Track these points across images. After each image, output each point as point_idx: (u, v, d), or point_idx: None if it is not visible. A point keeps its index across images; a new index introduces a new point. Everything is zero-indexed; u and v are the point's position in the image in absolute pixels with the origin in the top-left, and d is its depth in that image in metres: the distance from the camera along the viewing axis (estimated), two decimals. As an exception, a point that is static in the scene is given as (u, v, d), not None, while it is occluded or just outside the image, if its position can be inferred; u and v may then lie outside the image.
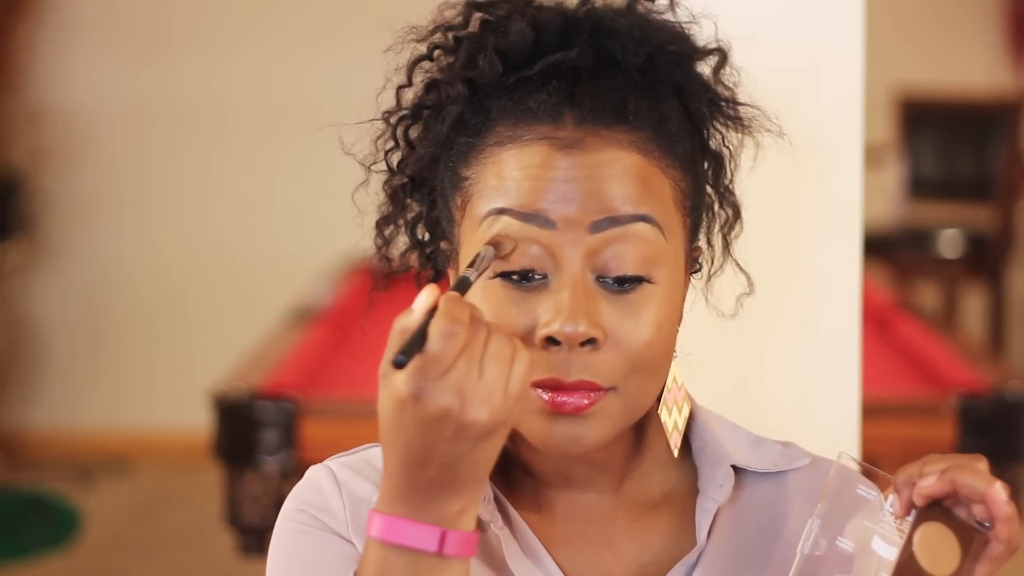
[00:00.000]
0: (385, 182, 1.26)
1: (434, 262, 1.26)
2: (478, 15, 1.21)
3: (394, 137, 1.25)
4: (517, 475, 1.23)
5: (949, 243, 5.51)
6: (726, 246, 1.27)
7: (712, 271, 1.28)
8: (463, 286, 1.08)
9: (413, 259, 1.27)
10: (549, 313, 1.13)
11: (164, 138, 5.63)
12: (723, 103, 1.23)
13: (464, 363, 1.01)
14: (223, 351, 4.22)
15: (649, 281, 1.15)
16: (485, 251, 1.12)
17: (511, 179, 1.15)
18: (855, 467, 1.20)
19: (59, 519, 4.83)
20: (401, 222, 1.26)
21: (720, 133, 1.24)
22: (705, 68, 1.23)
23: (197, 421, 3.81)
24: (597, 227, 1.14)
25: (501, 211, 1.15)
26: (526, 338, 1.13)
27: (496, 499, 1.21)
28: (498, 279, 1.15)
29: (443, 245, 1.24)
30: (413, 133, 1.24)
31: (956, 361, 3.10)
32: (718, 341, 1.45)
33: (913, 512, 1.11)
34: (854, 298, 1.68)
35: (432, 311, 1.01)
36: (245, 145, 5.63)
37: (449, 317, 1.01)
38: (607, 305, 1.14)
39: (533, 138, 1.16)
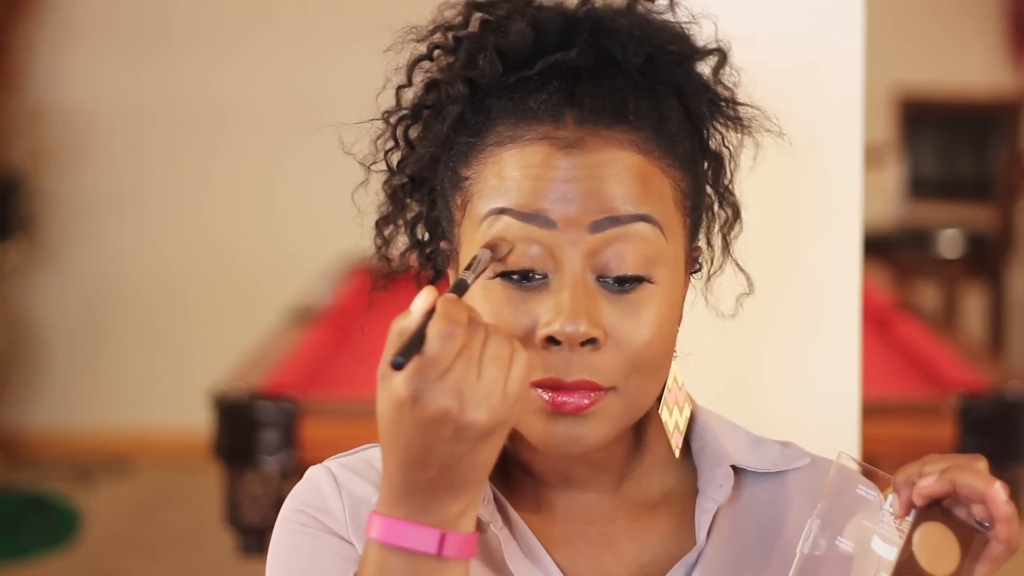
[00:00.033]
0: (385, 182, 1.26)
1: (434, 262, 1.26)
2: (478, 15, 1.21)
3: (394, 137, 1.25)
4: (517, 475, 1.23)
5: (949, 243, 5.51)
6: (726, 246, 1.27)
7: (712, 271, 1.28)
8: (460, 289, 1.07)
9: (413, 259, 1.27)
10: (549, 313, 1.13)
11: (164, 138, 5.63)
12: (723, 103, 1.23)
13: (462, 364, 1.01)
14: (223, 351, 4.22)
15: (649, 281, 1.15)
16: (482, 254, 1.12)
17: (511, 179, 1.15)
18: (855, 467, 1.20)
19: (59, 519, 4.83)
20: (401, 222, 1.26)
21: (720, 133, 1.24)
22: (705, 68, 1.23)
23: (197, 421, 3.81)
24: (597, 227, 1.14)
25: (501, 211, 1.15)
26: (526, 338, 1.13)
27: (496, 499, 1.21)
28: (498, 279, 1.15)
29: (443, 245, 1.24)
30: (413, 133, 1.24)
31: (956, 361, 3.10)
32: (718, 341, 1.45)
33: (913, 512, 1.11)
34: (854, 298, 1.68)
35: (430, 313, 1.01)
36: (245, 145, 5.63)
37: (447, 318, 1.01)
38: (607, 305, 1.14)
39: (533, 138, 1.16)
